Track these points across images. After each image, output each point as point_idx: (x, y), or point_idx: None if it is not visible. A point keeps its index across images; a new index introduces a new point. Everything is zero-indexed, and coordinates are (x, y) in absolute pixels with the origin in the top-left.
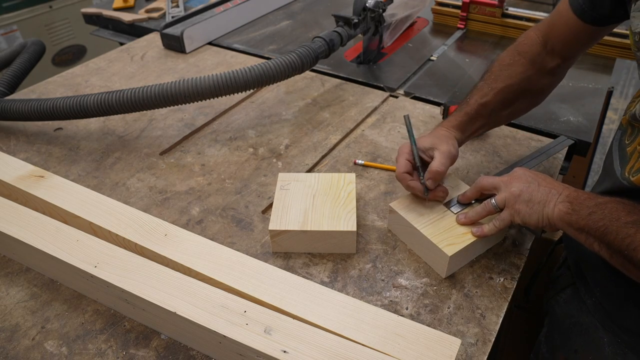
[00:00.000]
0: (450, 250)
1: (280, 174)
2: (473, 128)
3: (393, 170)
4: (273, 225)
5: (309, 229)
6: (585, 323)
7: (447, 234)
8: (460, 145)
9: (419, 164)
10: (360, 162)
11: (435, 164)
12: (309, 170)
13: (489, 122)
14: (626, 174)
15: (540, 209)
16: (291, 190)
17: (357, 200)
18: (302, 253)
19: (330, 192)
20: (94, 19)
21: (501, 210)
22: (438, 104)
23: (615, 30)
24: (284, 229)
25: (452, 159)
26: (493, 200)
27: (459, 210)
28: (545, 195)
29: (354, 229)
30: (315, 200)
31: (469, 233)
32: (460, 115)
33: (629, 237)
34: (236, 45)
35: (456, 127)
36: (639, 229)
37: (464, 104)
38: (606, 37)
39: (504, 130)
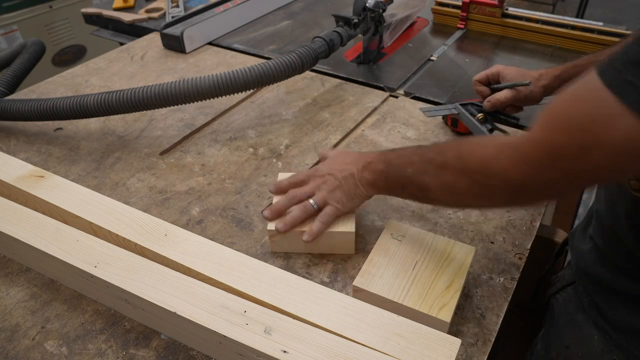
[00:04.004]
0: (445, 316)
1: (280, 174)
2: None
3: None
4: (271, 225)
5: (307, 229)
6: (579, 320)
7: (430, 295)
8: (554, 92)
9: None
10: None
11: (500, 95)
12: None
13: None
14: None
15: (354, 191)
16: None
17: None
18: (302, 253)
19: None
20: (94, 19)
21: (321, 209)
22: (438, 104)
23: (615, 30)
24: None
25: (521, 99)
26: (311, 201)
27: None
28: (350, 178)
29: (353, 229)
30: None
31: (452, 288)
32: (567, 65)
33: (411, 165)
34: (236, 45)
35: (557, 76)
36: (414, 153)
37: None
38: (606, 37)
39: (504, 129)
